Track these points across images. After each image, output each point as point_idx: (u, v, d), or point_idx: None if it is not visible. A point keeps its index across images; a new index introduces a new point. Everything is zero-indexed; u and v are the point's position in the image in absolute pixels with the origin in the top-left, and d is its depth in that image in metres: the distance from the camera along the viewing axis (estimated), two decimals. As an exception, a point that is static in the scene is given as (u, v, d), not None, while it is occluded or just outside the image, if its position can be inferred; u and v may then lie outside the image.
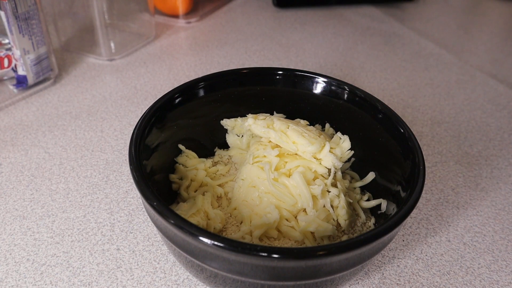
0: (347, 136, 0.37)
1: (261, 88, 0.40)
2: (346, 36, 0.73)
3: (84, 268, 0.34)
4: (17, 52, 0.49)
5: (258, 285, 0.27)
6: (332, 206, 0.34)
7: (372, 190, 0.37)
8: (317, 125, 0.40)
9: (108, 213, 0.39)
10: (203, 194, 0.36)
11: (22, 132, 0.47)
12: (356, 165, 0.39)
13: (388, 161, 0.35)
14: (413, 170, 0.31)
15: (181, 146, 0.38)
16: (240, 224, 0.34)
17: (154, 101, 0.34)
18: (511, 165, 0.47)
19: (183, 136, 0.38)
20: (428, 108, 0.55)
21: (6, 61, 0.50)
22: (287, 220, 0.33)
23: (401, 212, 0.27)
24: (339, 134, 0.37)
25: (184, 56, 0.64)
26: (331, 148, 0.35)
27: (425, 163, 0.36)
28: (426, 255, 0.37)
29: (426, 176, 0.44)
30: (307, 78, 0.39)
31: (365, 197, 0.37)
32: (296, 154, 0.35)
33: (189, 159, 0.38)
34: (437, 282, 0.35)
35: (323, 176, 0.35)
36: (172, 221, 0.25)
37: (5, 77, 0.52)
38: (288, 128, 0.35)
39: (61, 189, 0.41)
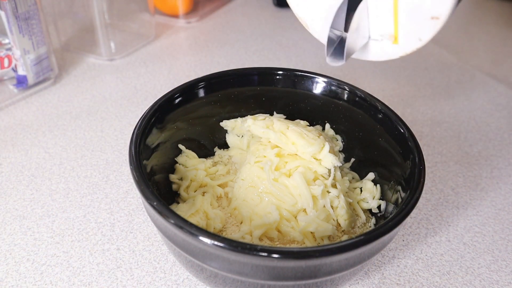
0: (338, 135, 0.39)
1: (261, 88, 0.40)
2: (346, 36, 0.73)
3: (84, 268, 0.34)
4: (17, 52, 0.49)
5: (258, 285, 0.27)
6: (332, 206, 0.34)
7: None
8: (317, 126, 0.40)
9: (108, 213, 0.39)
10: (203, 194, 0.36)
11: (22, 132, 0.47)
12: (356, 165, 0.39)
13: (388, 161, 0.35)
14: (413, 170, 0.31)
15: (181, 146, 0.38)
16: (240, 224, 0.34)
17: (154, 101, 0.34)
18: (511, 165, 0.47)
19: (183, 136, 0.38)
20: (428, 108, 0.55)
21: (6, 61, 0.50)
22: (287, 220, 0.33)
23: (401, 212, 0.27)
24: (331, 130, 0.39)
25: (184, 56, 0.64)
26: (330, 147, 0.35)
27: (425, 163, 0.36)
28: (426, 255, 0.37)
29: (426, 176, 0.44)
30: (307, 78, 0.39)
31: (365, 197, 0.37)
32: (296, 154, 0.35)
33: (189, 159, 0.38)
34: (437, 282, 0.35)
35: (323, 177, 0.35)
36: (172, 221, 0.25)
37: (5, 77, 0.52)
38: (287, 129, 0.35)
39: (61, 189, 0.41)
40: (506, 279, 0.35)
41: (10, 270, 0.34)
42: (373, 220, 0.36)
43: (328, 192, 0.34)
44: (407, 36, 0.24)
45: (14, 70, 0.51)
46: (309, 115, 0.40)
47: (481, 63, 0.68)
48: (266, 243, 0.33)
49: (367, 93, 0.37)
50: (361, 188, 0.37)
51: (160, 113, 0.34)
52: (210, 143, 0.41)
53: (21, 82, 0.52)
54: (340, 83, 0.38)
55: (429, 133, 0.51)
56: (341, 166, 0.38)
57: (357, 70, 0.63)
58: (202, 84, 0.37)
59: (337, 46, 0.25)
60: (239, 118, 0.40)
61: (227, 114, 0.40)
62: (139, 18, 0.67)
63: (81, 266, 0.34)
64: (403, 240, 0.38)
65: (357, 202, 0.36)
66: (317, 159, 0.35)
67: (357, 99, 0.37)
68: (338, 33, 0.25)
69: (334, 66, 0.26)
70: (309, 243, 0.32)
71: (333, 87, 0.38)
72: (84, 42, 0.63)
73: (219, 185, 0.37)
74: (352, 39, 0.24)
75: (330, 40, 0.25)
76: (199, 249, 0.26)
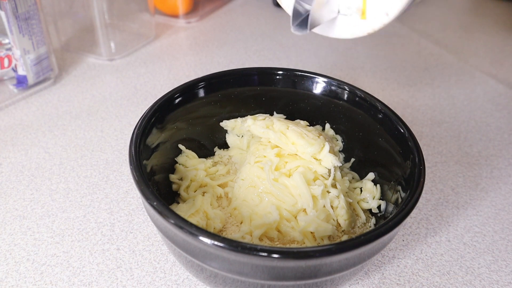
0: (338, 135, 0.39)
1: (261, 88, 0.40)
2: (346, 36, 0.73)
3: (84, 268, 0.34)
4: (17, 52, 0.49)
5: (258, 285, 0.27)
6: (332, 206, 0.34)
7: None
8: (317, 126, 0.40)
9: (108, 213, 0.39)
10: (203, 194, 0.36)
11: (22, 132, 0.47)
12: (356, 165, 0.39)
13: (388, 161, 0.35)
14: (413, 170, 0.31)
15: (181, 146, 0.38)
16: (240, 224, 0.34)
17: (154, 101, 0.34)
18: (511, 165, 0.47)
19: (183, 136, 0.38)
20: (428, 108, 0.55)
21: (6, 61, 0.50)
22: (287, 220, 0.33)
23: (401, 212, 0.27)
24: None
25: (184, 56, 0.64)
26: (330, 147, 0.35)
27: (425, 163, 0.36)
28: (426, 255, 0.37)
29: (426, 176, 0.44)
30: (307, 78, 0.39)
31: (365, 197, 0.37)
32: (296, 154, 0.35)
33: (189, 159, 0.38)
34: (437, 282, 0.35)
35: (323, 177, 0.35)
36: (172, 221, 0.25)
37: (5, 77, 0.53)
38: (287, 129, 0.35)
39: (61, 189, 0.41)
40: (506, 279, 0.35)
41: (10, 270, 0.34)
42: (373, 220, 0.36)
43: (328, 192, 0.34)
44: (374, 10, 0.24)
45: (14, 70, 0.51)
46: (309, 115, 0.40)
47: (481, 63, 0.68)
48: (266, 243, 0.33)
49: (367, 93, 0.37)
50: (361, 188, 0.37)
51: (160, 113, 0.34)
52: (210, 143, 0.41)
53: (21, 82, 0.52)
54: (340, 83, 0.38)
55: (429, 133, 0.51)
56: (341, 166, 0.38)
57: (357, 70, 0.63)
58: (202, 84, 0.37)
59: (304, 18, 0.26)
60: (239, 118, 0.40)
61: (227, 114, 0.40)
62: (139, 18, 0.67)
63: (81, 266, 0.34)
64: (403, 240, 0.38)
65: (357, 202, 0.36)
66: (317, 159, 0.35)
67: (357, 99, 0.37)
68: (307, 6, 0.26)
69: (298, 35, 0.27)
70: (309, 243, 0.32)
71: (333, 87, 0.38)
72: (84, 42, 0.63)
73: (219, 185, 0.37)
74: (317, 10, 0.25)
75: (296, 12, 0.26)
76: (199, 249, 0.26)
